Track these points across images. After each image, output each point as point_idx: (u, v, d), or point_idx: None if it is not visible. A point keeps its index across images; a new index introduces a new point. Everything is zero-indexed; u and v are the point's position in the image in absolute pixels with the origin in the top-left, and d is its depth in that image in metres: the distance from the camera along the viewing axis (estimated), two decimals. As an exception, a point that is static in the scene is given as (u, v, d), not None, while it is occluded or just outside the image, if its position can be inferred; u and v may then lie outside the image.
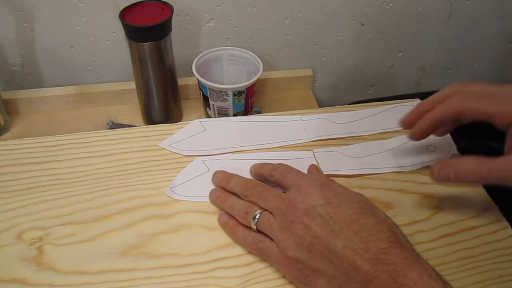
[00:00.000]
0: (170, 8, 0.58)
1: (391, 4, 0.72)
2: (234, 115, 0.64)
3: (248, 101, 0.64)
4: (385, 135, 0.50)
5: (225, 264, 0.38)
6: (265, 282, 0.37)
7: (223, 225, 0.40)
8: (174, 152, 0.47)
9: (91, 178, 0.44)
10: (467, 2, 0.74)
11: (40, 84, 0.72)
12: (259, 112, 0.70)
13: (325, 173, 0.45)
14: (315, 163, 0.46)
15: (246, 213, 0.38)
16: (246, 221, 0.38)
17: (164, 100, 0.65)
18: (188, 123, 0.50)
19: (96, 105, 0.71)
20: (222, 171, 0.44)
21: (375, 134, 0.50)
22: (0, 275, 0.36)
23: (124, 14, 0.56)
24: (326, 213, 0.35)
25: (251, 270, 0.37)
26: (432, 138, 0.50)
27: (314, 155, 0.47)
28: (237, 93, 0.61)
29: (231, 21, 0.69)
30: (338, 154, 0.47)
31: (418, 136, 0.42)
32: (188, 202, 0.42)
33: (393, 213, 0.42)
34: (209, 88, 0.61)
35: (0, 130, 0.65)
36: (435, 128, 0.41)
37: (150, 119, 0.67)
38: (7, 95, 0.68)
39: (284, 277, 0.37)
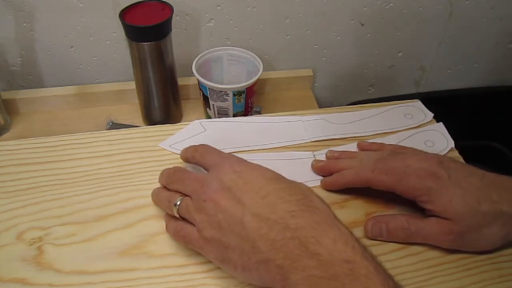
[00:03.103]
0: (170, 8, 0.58)
1: (391, 4, 0.72)
2: (234, 115, 0.64)
3: (248, 101, 0.64)
4: (385, 135, 0.50)
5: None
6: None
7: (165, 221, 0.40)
8: (174, 153, 0.47)
9: (91, 178, 0.44)
10: (467, 2, 0.74)
11: (40, 84, 0.72)
12: (259, 112, 0.71)
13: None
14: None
15: (169, 201, 0.38)
16: (170, 210, 0.38)
17: (164, 100, 0.65)
18: (188, 124, 0.50)
19: (96, 105, 0.71)
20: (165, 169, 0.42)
21: (375, 134, 0.50)
22: (0, 275, 0.36)
23: (124, 14, 0.56)
24: (234, 185, 0.34)
25: (251, 270, 0.37)
26: (429, 133, 0.50)
27: (314, 157, 0.47)
28: (237, 93, 0.61)
29: (231, 21, 0.69)
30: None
31: (329, 188, 0.44)
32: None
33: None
34: (209, 88, 0.61)
35: (0, 130, 0.65)
36: (346, 187, 0.43)
37: (150, 119, 0.67)
38: (7, 95, 0.68)
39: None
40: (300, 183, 0.35)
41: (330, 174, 0.44)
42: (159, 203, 0.41)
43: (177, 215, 0.37)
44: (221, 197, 0.34)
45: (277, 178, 0.35)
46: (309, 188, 0.35)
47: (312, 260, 0.29)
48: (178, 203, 0.37)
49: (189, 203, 0.36)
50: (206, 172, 0.39)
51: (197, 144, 0.47)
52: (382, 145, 0.47)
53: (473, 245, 0.38)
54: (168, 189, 0.40)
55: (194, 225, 0.36)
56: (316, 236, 0.30)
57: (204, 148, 0.40)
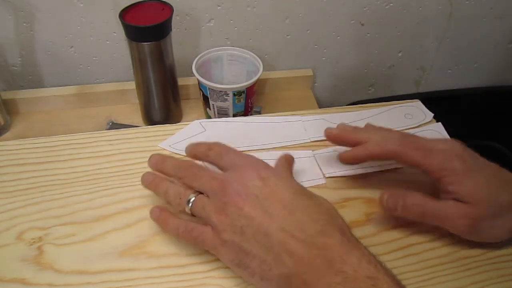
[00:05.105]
0: (170, 8, 0.58)
1: (391, 4, 0.72)
2: (234, 115, 0.64)
3: (248, 101, 0.64)
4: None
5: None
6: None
7: (155, 219, 0.38)
8: (174, 153, 0.47)
9: (91, 178, 0.44)
10: (467, 2, 0.74)
11: (40, 84, 0.72)
12: (259, 112, 0.71)
13: (326, 175, 0.45)
14: (316, 164, 0.46)
15: (180, 198, 0.36)
16: (181, 206, 0.36)
17: (164, 100, 0.65)
18: (188, 124, 0.50)
19: (96, 105, 0.71)
20: (157, 154, 0.41)
21: (375, 134, 0.50)
22: (0, 275, 0.36)
23: (124, 14, 0.56)
24: (261, 194, 0.33)
25: (251, 270, 0.37)
26: (428, 133, 0.50)
27: (314, 156, 0.47)
28: (237, 93, 0.61)
29: (231, 21, 0.69)
30: (338, 154, 0.47)
31: (350, 161, 0.43)
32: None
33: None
34: (209, 88, 0.61)
35: (0, 130, 0.65)
36: (368, 160, 0.42)
37: (150, 119, 0.67)
38: (7, 95, 0.68)
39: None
40: (325, 200, 0.35)
41: (344, 143, 0.42)
42: (165, 196, 0.38)
43: (189, 212, 0.36)
44: (246, 203, 0.33)
45: (303, 192, 0.35)
46: (333, 207, 0.35)
47: (337, 277, 0.30)
48: (192, 199, 0.36)
49: (205, 202, 0.35)
50: (218, 170, 0.38)
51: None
52: (390, 129, 0.45)
53: (484, 235, 0.37)
54: (171, 180, 0.38)
55: (206, 224, 0.35)
56: (342, 255, 0.30)
57: (220, 148, 0.39)
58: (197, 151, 0.40)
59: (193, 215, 0.36)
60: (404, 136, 0.40)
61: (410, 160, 0.39)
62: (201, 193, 0.36)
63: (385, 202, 0.39)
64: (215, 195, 0.35)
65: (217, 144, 0.39)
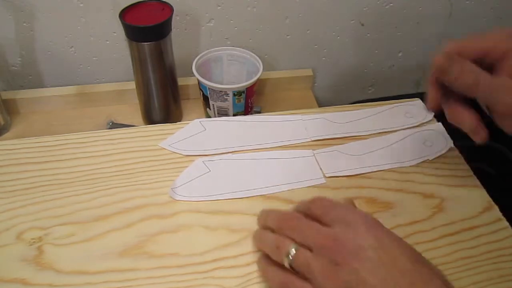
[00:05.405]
0: (170, 8, 0.58)
1: (391, 4, 0.72)
2: (234, 115, 0.64)
3: (248, 101, 0.64)
4: (385, 134, 0.50)
5: (225, 264, 0.38)
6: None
7: (257, 263, 0.36)
8: (174, 152, 0.47)
9: (91, 178, 0.44)
10: (467, 2, 0.74)
11: (40, 84, 0.72)
12: (259, 112, 0.70)
13: (326, 175, 0.45)
14: (316, 163, 0.46)
15: (278, 247, 0.33)
16: (279, 257, 0.33)
17: (164, 100, 0.65)
18: (188, 123, 0.50)
19: (96, 105, 0.71)
20: (263, 210, 0.39)
21: (375, 134, 0.50)
22: (0, 275, 0.36)
23: (124, 14, 0.56)
24: (378, 258, 0.30)
25: (251, 270, 0.37)
26: (428, 133, 0.50)
27: (314, 156, 0.47)
28: (237, 93, 0.61)
29: (231, 21, 0.69)
30: (338, 153, 0.47)
31: (433, 102, 0.40)
32: (188, 202, 0.42)
33: (393, 213, 0.42)
34: (209, 88, 0.61)
35: (0, 130, 0.65)
36: (441, 83, 0.38)
37: (150, 119, 0.67)
38: (7, 95, 0.68)
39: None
40: (436, 267, 0.32)
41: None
42: (262, 245, 0.36)
43: (287, 266, 0.33)
44: (362, 266, 0.30)
45: (418, 258, 0.32)
46: (444, 275, 0.32)
47: None
48: (293, 252, 0.32)
49: (310, 258, 0.32)
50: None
51: (196, 141, 0.48)
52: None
53: None
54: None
55: (306, 279, 0.32)
56: None
57: (324, 201, 0.36)
58: (301, 208, 0.37)
59: (292, 268, 0.33)
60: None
61: (475, 48, 0.37)
62: (302, 245, 0.33)
63: (440, 62, 0.36)
64: (324, 252, 0.31)
65: (318, 198, 0.36)
